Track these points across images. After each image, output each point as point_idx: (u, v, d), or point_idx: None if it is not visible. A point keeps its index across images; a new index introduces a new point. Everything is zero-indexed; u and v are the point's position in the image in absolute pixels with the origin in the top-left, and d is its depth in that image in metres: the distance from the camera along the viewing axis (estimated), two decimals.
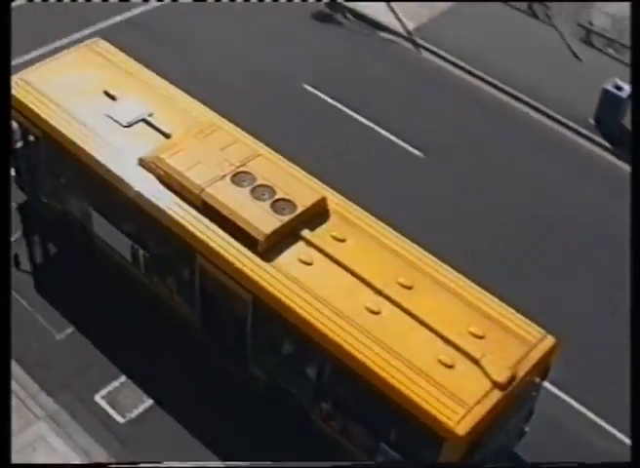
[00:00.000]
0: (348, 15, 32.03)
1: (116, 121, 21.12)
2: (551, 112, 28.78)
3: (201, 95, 22.73)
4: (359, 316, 17.90)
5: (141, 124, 21.13)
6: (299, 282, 18.38)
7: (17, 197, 23.78)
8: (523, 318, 18.30)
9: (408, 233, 19.70)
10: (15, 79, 21.88)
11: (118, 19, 30.55)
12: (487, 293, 18.65)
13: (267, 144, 21.01)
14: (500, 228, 24.96)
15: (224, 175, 19.66)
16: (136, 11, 31.15)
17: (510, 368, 17.26)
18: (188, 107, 21.80)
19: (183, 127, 21.03)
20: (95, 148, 20.75)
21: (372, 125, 27.59)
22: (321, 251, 18.84)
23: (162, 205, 19.74)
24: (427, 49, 30.86)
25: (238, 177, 19.68)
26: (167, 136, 20.82)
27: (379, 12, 32.08)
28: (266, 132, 22.30)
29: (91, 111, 21.37)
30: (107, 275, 22.45)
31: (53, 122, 21.34)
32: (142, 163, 20.25)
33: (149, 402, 20.52)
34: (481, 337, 17.73)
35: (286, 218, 19.02)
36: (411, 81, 29.42)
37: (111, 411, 20.39)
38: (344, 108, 28.07)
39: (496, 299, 18.55)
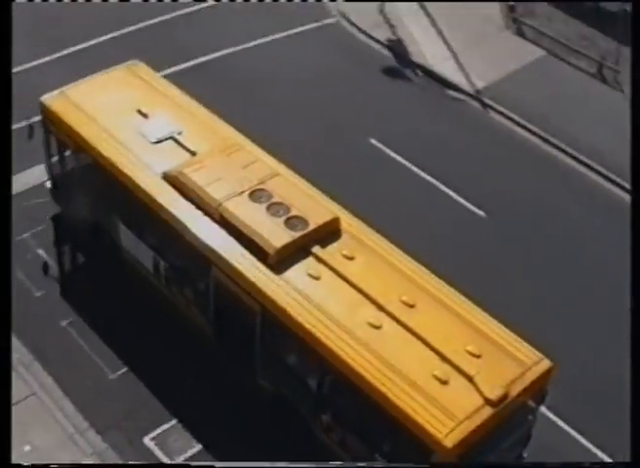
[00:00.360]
0: (418, 71, 32.04)
1: (146, 138, 22.12)
2: (616, 178, 28.23)
3: (265, 139, 23.17)
4: (360, 330, 18.53)
5: (170, 141, 22.11)
6: (305, 295, 19.10)
7: (52, 209, 25.00)
8: (521, 341, 18.77)
9: (465, 290, 19.88)
10: (55, 94, 23.12)
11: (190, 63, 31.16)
12: (488, 316, 19.18)
13: (328, 194, 21.46)
14: (561, 291, 24.79)
15: (243, 192, 20.53)
16: (210, 57, 31.64)
17: (503, 386, 17.71)
18: (216, 128, 22.78)
19: (209, 145, 21.98)
20: (124, 163, 21.74)
21: (435, 182, 27.51)
22: (329, 267, 19.55)
23: (182, 217, 20.63)
24: (494, 109, 30.72)
25: (255, 194, 20.53)
26: (193, 153, 21.76)
27: (448, 70, 32.05)
28: (329, 182, 22.81)
29: (124, 128, 22.41)
30: (133, 288, 23.32)
31: (87, 136, 22.40)
32: (166, 177, 21.19)
33: (198, 447, 20.60)
34: (478, 356, 18.22)
35: (297, 234, 19.79)
36: (477, 140, 29.32)
37: (160, 454, 20.47)
38: (409, 164, 28.02)
39: (496, 322, 19.06)
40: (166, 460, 20.26)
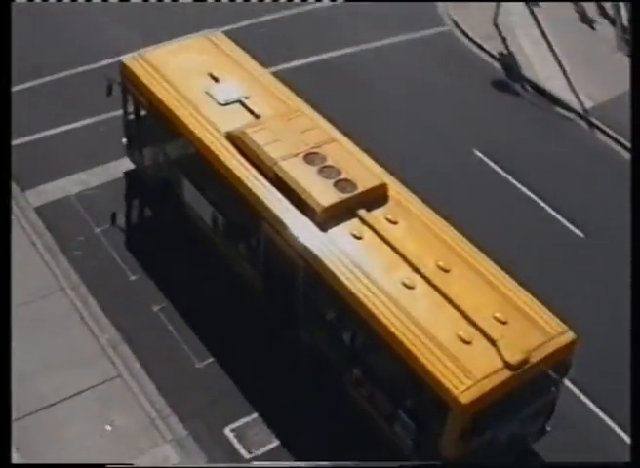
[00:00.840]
0: (527, 86, 31.96)
1: (215, 99, 23.31)
2: None
3: (370, 141, 23.74)
4: (394, 288, 19.37)
5: (237, 105, 23.26)
6: (346, 253, 20.02)
7: (126, 165, 26.57)
8: (548, 312, 19.37)
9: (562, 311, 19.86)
10: (134, 56, 24.52)
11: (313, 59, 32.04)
12: (520, 287, 19.81)
13: (429, 200, 21.66)
14: None
15: (298, 154, 21.56)
16: (330, 54, 32.35)
17: (524, 352, 18.32)
18: (283, 95, 23.87)
19: (274, 110, 23.07)
20: (191, 121, 22.96)
21: (535, 198, 27.39)
22: (372, 228, 20.43)
23: (239, 174, 21.75)
24: (601, 129, 30.49)
25: (310, 157, 21.55)
26: (257, 116, 22.88)
27: (557, 87, 31.91)
28: (429, 188, 23.06)
29: (195, 89, 23.66)
30: (195, 244, 24.52)
31: (160, 95, 23.70)
32: (229, 136, 22.34)
33: (277, 442, 20.87)
34: (504, 323, 18.86)
35: (345, 196, 20.75)
36: (581, 160, 29.13)
37: (238, 446, 20.72)
38: (510, 178, 28.04)
39: (526, 293, 19.69)
40: (243, 453, 20.62)
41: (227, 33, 26.54)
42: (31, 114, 27.97)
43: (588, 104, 31.32)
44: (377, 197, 21.13)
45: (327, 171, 21.29)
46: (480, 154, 28.74)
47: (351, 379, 20.66)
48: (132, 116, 25.38)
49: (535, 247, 25.81)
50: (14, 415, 19.78)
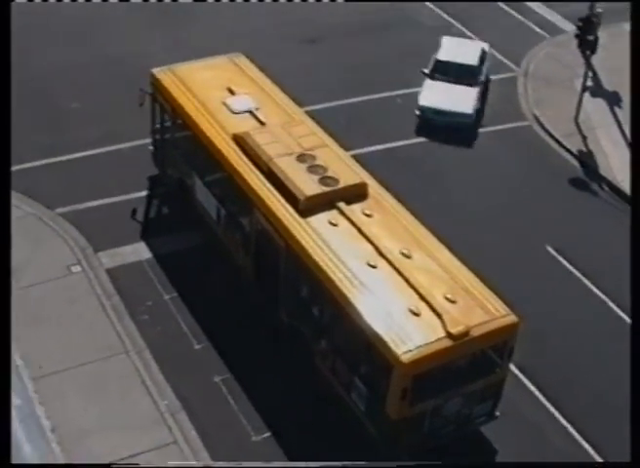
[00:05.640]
0: (605, 186, 32.08)
1: (229, 109, 26.25)
2: None
3: (448, 233, 24.16)
4: (359, 267, 21.78)
5: (247, 114, 26.14)
6: (321, 236, 22.54)
7: (151, 170, 29.50)
8: (496, 297, 21.53)
9: None
10: (164, 69, 27.68)
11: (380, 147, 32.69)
12: (473, 275, 22.04)
13: (501, 292, 21.90)
14: None
15: (292, 154, 24.30)
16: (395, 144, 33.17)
17: (466, 326, 20.48)
18: (289, 108, 26.76)
19: (278, 119, 25.92)
20: (205, 126, 25.87)
21: (606, 299, 27.37)
22: (348, 218, 22.95)
23: (239, 168, 24.51)
24: None
25: (302, 157, 24.26)
26: (262, 123, 25.72)
27: None
28: (501, 280, 23.38)
29: (213, 100, 26.64)
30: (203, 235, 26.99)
31: (182, 103, 26.71)
32: (235, 137, 25.17)
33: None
34: (453, 302, 21.10)
35: (327, 189, 23.38)
36: None
37: None
38: (582, 277, 28.03)
39: (478, 279, 21.90)
40: None
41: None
42: (112, 177, 29.71)
43: None
44: (357, 193, 23.68)
45: (315, 168, 23.94)
46: (553, 251, 28.94)
47: (318, 352, 22.93)
48: (158, 124, 28.39)
49: (602, 349, 25.84)
50: None
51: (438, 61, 34.71)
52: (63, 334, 24.29)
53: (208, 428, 22.60)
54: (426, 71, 34.60)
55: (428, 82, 34.34)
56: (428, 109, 33.48)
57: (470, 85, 34.11)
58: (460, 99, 33.69)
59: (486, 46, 35.96)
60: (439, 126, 33.30)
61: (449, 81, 34.26)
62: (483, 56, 35.20)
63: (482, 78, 34.65)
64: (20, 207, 27.70)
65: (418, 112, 33.59)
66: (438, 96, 33.77)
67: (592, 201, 31.49)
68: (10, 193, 19.12)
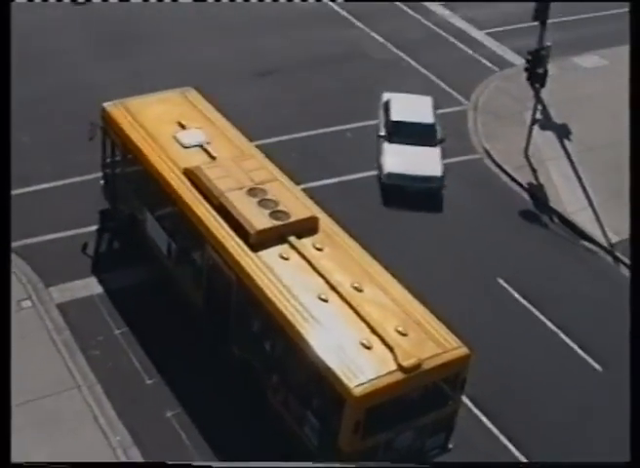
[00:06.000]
0: (555, 218, 32.53)
1: (180, 143, 26.25)
2: None
3: (399, 264, 24.64)
4: (310, 301, 21.83)
5: (198, 148, 26.16)
6: (272, 270, 22.56)
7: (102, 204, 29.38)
8: (447, 330, 21.67)
9: None
10: (115, 102, 27.64)
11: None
12: (424, 308, 22.17)
13: (450, 322, 22.14)
14: None
15: (242, 188, 24.32)
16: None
17: (418, 359, 20.58)
18: (240, 143, 26.79)
19: (229, 154, 25.95)
20: (156, 160, 25.81)
21: (557, 330, 27.60)
22: (299, 252, 23.00)
23: (189, 202, 24.49)
24: (626, 264, 30.08)
25: (253, 191, 24.30)
26: (213, 158, 25.73)
27: (584, 220, 32.26)
28: (452, 312, 23.37)
29: (163, 134, 26.62)
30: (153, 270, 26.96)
31: (132, 138, 26.65)
32: (186, 171, 25.16)
33: None
34: (404, 335, 21.21)
35: (278, 223, 23.42)
36: (604, 293, 29.17)
37: None
38: (532, 308, 28.32)
39: (429, 312, 22.06)
40: None
41: None
42: (62, 211, 29.48)
43: (614, 238, 31.35)
44: (307, 227, 23.75)
45: (265, 202, 23.99)
46: (503, 282, 29.19)
47: (270, 386, 22.88)
48: (109, 158, 28.31)
49: (550, 376, 26.11)
50: None
51: (393, 123, 33.15)
52: (14, 370, 23.75)
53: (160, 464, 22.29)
54: (382, 134, 33.24)
55: (387, 146, 32.79)
56: (396, 176, 31.92)
57: (431, 145, 32.97)
58: (426, 162, 32.44)
59: (430, 99, 34.84)
60: (407, 192, 31.95)
61: (408, 143, 32.80)
62: (435, 111, 34.25)
63: (439, 136, 33.42)
64: None
65: (384, 180, 32.13)
66: (403, 160, 32.27)
67: (542, 233, 31.82)
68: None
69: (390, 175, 31.99)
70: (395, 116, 33.40)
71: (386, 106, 34.18)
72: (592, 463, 22.78)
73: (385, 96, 35.08)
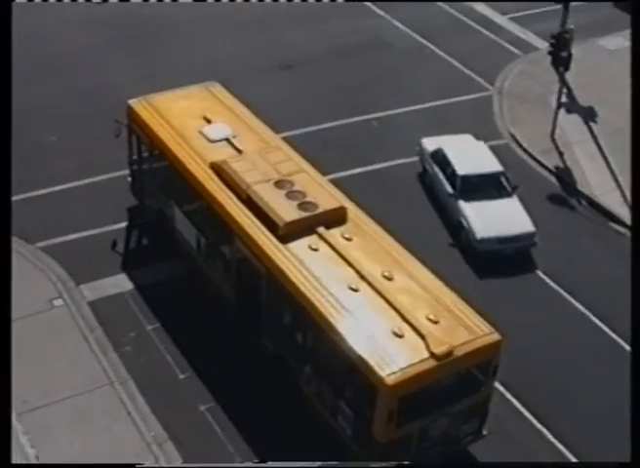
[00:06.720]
0: (582, 201, 32.25)
1: (206, 138, 26.31)
2: None
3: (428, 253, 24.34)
4: (341, 291, 21.83)
5: (224, 142, 26.22)
6: (301, 261, 22.57)
7: (130, 201, 29.53)
8: (477, 315, 21.63)
9: None
10: (140, 99, 27.74)
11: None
12: (455, 294, 22.13)
13: (485, 312, 22.12)
14: None
15: (269, 180, 24.33)
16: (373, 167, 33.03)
17: (450, 346, 20.55)
18: (265, 134, 26.85)
19: (255, 146, 25.99)
20: (183, 155, 25.88)
21: (588, 313, 27.56)
22: (328, 243, 23.01)
23: (218, 196, 24.55)
24: None
25: (280, 183, 24.31)
26: (240, 151, 25.78)
27: (612, 202, 31.97)
28: (484, 301, 23.66)
29: (190, 129, 26.68)
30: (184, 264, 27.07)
31: (159, 133, 26.74)
32: (213, 165, 25.22)
33: None
34: (435, 322, 21.16)
35: (306, 214, 23.43)
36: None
37: None
38: (563, 292, 28.20)
39: (459, 299, 22.01)
40: None
41: None
42: (91, 209, 29.66)
43: None
44: (336, 218, 23.74)
45: (293, 194, 23.99)
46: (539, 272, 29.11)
47: (303, 377, 22.92)
48: (136, 155, 28.43)
49: (585, 363, 26.00)
50: None
51: (462, 178, 29.72)
52: (47, 369, 24.21)
53: (195, 458, 22.42)
54: (451, 192, 30.02)
55: (465, 206, 29.48)
56: (490, 241, 28.83)
57: (508, 195, 30.10)
58: (515, 218, 29.56)
59: (484, 144, 31.93)
60: (503, 256, 29.27)
61: (483, 197, 29.79)
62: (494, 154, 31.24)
63: (512, 183, 30.41)
64: None
65: (478, 246, 28.91)
66: (492, 220, 29.13)
67: (571, 217, 31.63)
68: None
69: (482, 241, 28.84)
70: (461, 170, 30.02)
71: (441, 158, 30.98)
72: (592, 463, 22.83)
73: (428, 142, 32.10)
